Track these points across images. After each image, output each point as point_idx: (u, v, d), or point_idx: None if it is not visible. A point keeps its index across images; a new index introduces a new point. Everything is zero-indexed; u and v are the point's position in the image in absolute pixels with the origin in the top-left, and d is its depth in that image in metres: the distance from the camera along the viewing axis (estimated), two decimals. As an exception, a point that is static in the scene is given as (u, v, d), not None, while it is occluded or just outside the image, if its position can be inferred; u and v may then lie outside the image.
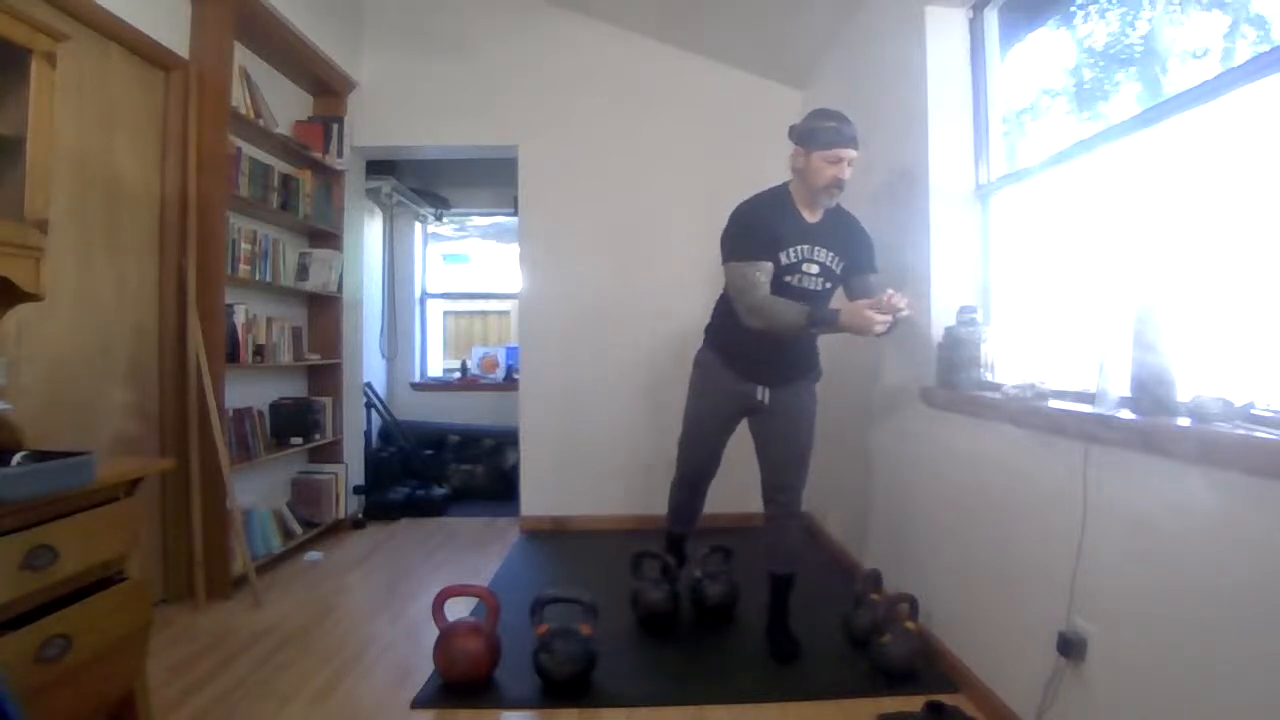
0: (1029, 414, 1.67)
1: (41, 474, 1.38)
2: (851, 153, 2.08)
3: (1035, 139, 2.16)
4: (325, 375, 3.75)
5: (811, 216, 2.17)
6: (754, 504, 3.86)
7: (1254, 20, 1.43)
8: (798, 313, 2.02)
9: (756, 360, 2.22)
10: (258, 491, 3.21)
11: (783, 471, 2.30)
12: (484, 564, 3.22)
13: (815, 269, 2.14)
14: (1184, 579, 1.23)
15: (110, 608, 1.52)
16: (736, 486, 3.83)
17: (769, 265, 2.09)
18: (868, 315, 1.93)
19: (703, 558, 2.61)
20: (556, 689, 2.01)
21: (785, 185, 2.20)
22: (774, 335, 2.11)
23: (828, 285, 2.18)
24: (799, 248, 2.12)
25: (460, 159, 4.61)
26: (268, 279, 3.21)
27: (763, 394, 2.26)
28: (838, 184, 2.09)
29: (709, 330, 2.40)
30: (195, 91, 2.70)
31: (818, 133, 2.06)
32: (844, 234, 2.20)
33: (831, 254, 2.16)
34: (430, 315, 5.47)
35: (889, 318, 1.94)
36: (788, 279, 2.12)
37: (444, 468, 4.68)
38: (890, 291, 1.96)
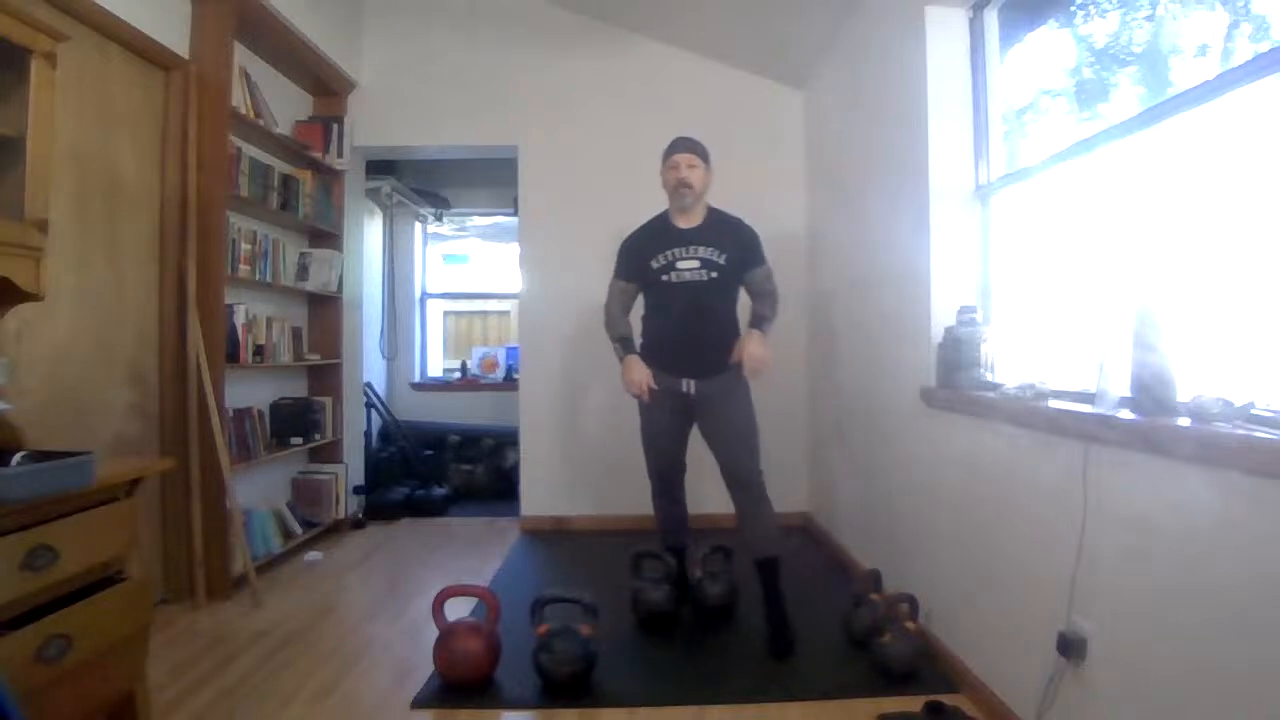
0: (1029, 414, 1.67)
1: (41, 474, 1.38)
2: (686, 156, 2.43)
3: (1035, 139, 2.16)
4: (325, 375, 3.75)
5: (688, 223, 2.47)
6: (754, 504, 3.86)
7: (1254, 20, 1.43)
8: (615, 334, 2.50)
9: (677, 355, 2.43)
10: (258, 491, 3.21)
11: (732, 456, 2.42)
12: (484, 564, 3.22)
13: (694, 263, 2.41)
14: (1184, 579, 1.23)
15: (110, 608, 1.52)
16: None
17: (627, 285, 2.53)
18: (629, 375, 2.40)
19: (703, 558, 2.61)
20: (556, 689, 2.01)
21: (666, 210, 2.53)
22: (685, 335, 2.43)
23: (713, 275, 2.41)
24: (668, 252, 2.43)
25: (460, 159, 4.61)
26: (268, 279, 3.21)
27: (688, 386, 2.43)
28: (683, 184, 2.41)
29: (641, 343, 2.56)
30: (195, 91, 2.70)
31: (665, 152, 2.49)
32: (726, 233, 2.47)
33: (711, 249, 2.42)
34: (430, 315, 5.47)
35: (642, 390, 2.38)
36: (664, 278, 2.43)
37: (444, 468, 4.68)
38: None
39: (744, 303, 2.51)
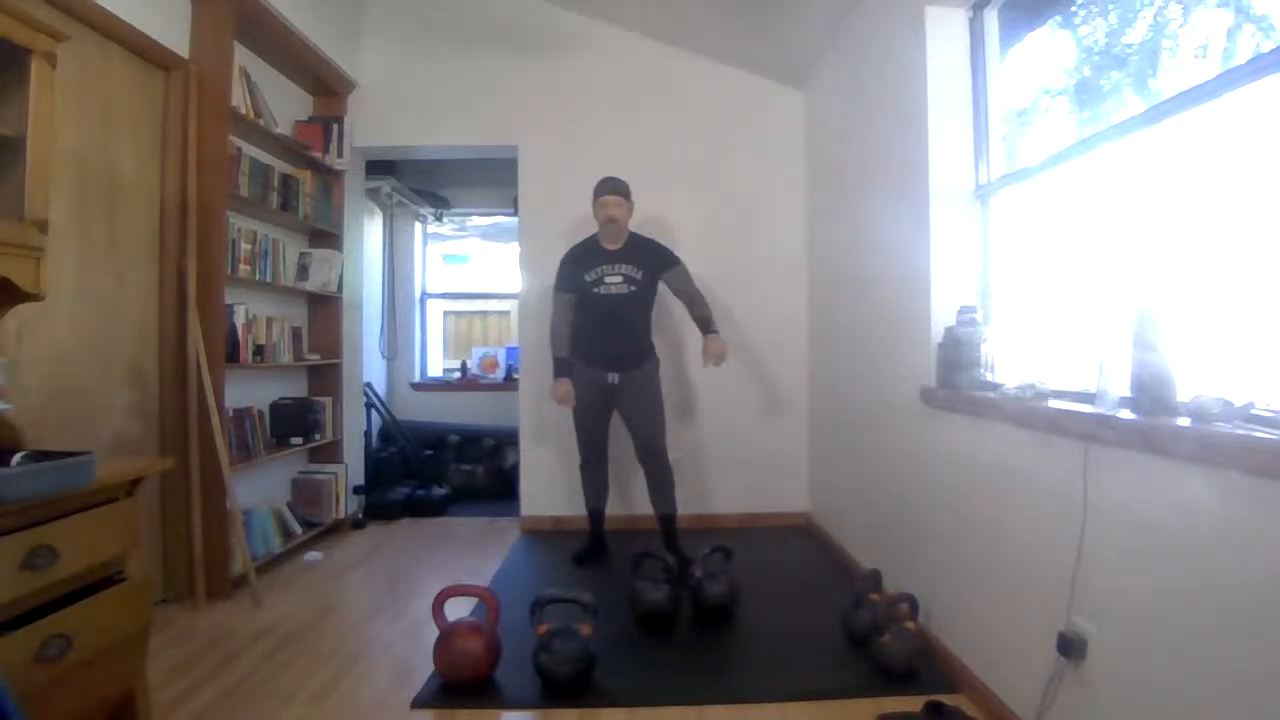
0: (1029, 414, 1.67)
1: (41, 474, 1.38)
2: (612, 198, 3.04)
3: (1035, 139, 2.16)
4: (325, 375, 3.75)
5: (613, 246, 3.08)
6: (754, 504, 3.88)
7: (1255, 19, 1.43)
8: (557, 353, 3.11)
9: (605, 354, 3.08)
10: (258, 491, 3.21)
11: (645, 435, 3.11)
12: (484, 564, 3.22)
13: (618, 279, 3.06)
14: (1184, 579, 1.23)
15: (110, 608, 1.52)
16: (737, 487, 3.84)
17: (569, 296, 3.11)
18: (557, 393, 3.09)
19: (703, 558, 2.60)
20: (556, 689, 2.01)
21: (595, 234, 3.15)
22: (610, 336, 3.06)
23: (633, 288, 3.07)
24: (598, 269, 3.06)
25: (460, 159, 4.61)
26: (268, 279, 3.21)
27: (614, 378, 3.07)
28: (610, 220, 3.04)
29: (572, 347, 3.13)
30: (195, 91, 2.70)
31: (595, 191, 3.10)
32: (641, 252, 3.11)
33: (631, 266, 3.07)
34: (430, 315, 5.47)
35: (566, 403, 3.09)
36: (595, 290, 3.06)
37: (444, 468, 4.68)
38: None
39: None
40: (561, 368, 3.08)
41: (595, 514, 3.30)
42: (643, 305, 3.12)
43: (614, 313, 3.05)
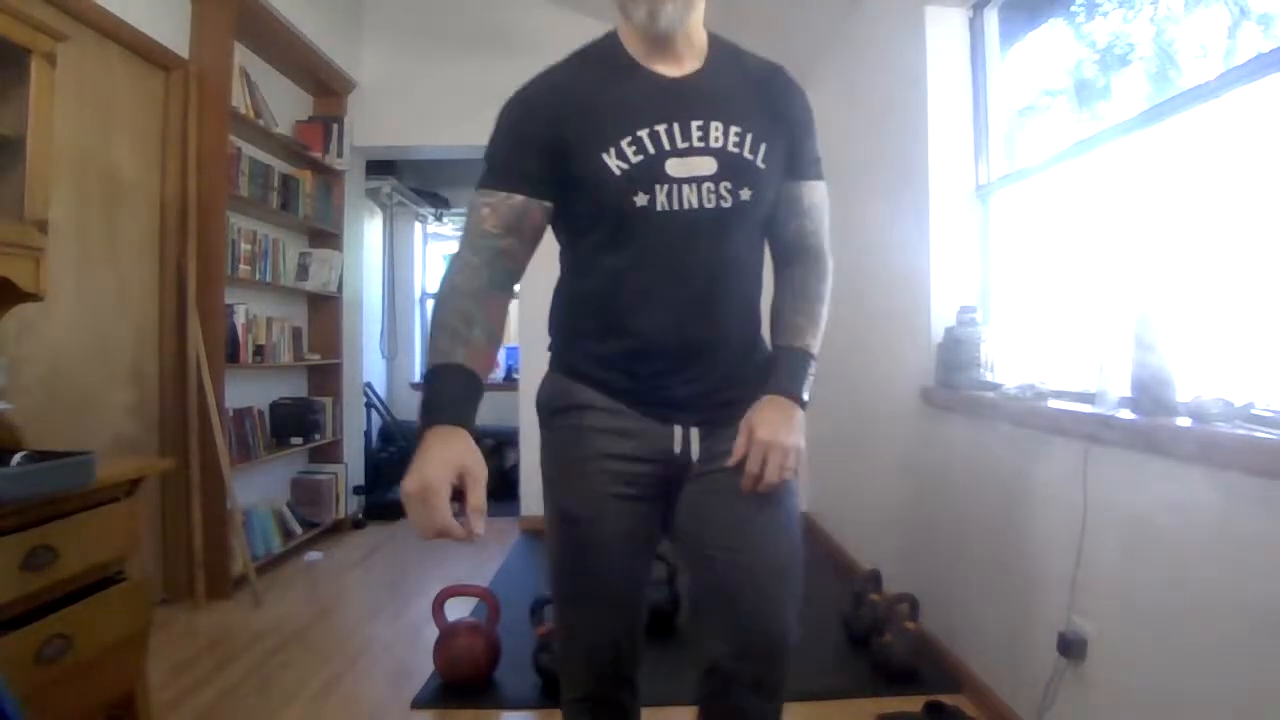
0: (1029, 414, 1.67)
1: (41, 474, 1.38)
2: None
3: (1035, 138, 2.16)
4: (325, 375, 3.75)
5: (674, 66, 1.06)
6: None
7: (1256, 19, 1.43)
8: (438, 357, 1.01)
9: (663, 374, 1.07)
10: (258, 491, 3.20)
11: (761, 603, 1.11)
12: (484, 564, 3.22)
13: (708, 166, 0.99)
14: (1184, 579, 1.23)
15: (110, 608, 1.52)
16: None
17: (507, 197, 1.12)
18: (419, 477, 0.90)
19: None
20: (556, 689, 2.00)
21: (612, 32, 1.11)
22: (690, 321, 1.04)
23: (743, 194, 1.00)
24: (652, 129, 0.99)
25: (460, 159, 4.61)
26: (268, 279, 3.21)
27: (684, 439, 1.08)
28: None
29: (552, 340, 1.31)
30: (195, 91, 2.70)
31: None
32: (758, 89, 1.10)
33: (737, 122, 1.01)
34: (430, 315, 5.47)
35: (471, 533, 0.86)
36: (640, 199, 0.99)
37: (444, 468, 4.68)
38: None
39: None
40: (438, 396, 1.00)
41: None
42: (758, 234, 1.09)
43: (695, 258, 1.01)
